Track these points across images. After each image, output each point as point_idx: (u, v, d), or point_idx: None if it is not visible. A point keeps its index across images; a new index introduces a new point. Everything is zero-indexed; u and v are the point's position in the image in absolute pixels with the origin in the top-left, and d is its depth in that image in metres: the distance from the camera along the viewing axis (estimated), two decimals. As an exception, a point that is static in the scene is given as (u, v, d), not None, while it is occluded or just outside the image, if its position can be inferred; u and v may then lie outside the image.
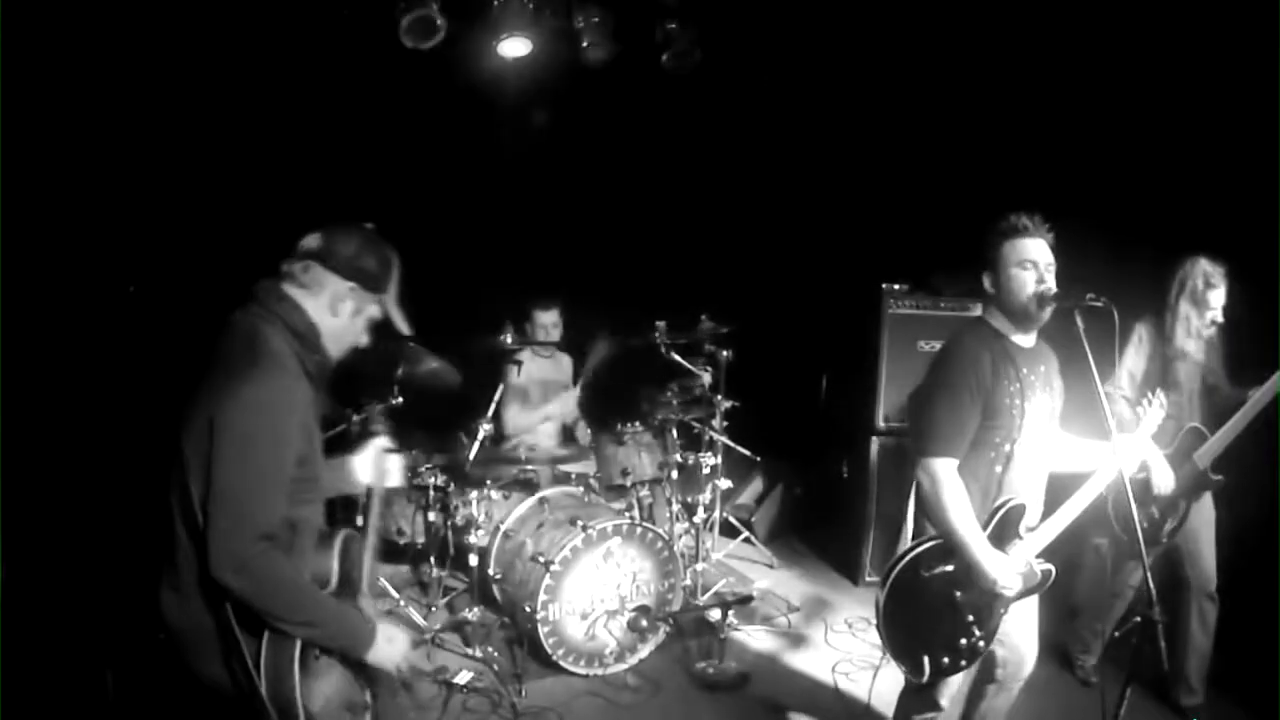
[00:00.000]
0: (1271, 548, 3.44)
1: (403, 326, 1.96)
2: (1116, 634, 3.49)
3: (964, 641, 2.37)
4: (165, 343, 4.51)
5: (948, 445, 2.30)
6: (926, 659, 2.36)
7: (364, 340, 1.95)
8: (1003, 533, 2.36)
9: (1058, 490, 2.48)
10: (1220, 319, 3.15)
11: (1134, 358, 3.20)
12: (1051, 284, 2.29)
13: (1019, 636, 2.53)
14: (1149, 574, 2.07)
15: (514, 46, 4.38)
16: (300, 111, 4.57)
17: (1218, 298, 3.13)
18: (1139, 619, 2.07)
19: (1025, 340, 2.40)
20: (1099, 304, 2.20)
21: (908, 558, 2.39)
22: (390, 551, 4.36)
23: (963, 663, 2.39)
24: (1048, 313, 2.31)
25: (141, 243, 4.48)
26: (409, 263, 2.02)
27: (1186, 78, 3.70)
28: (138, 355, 4.40)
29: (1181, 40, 3.63)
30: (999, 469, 2.35)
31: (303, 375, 1.81)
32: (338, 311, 1.86)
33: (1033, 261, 2.30)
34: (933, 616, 2.35)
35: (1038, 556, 2.41)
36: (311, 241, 1.87)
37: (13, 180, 3.59)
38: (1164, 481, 3.05)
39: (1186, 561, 3.26)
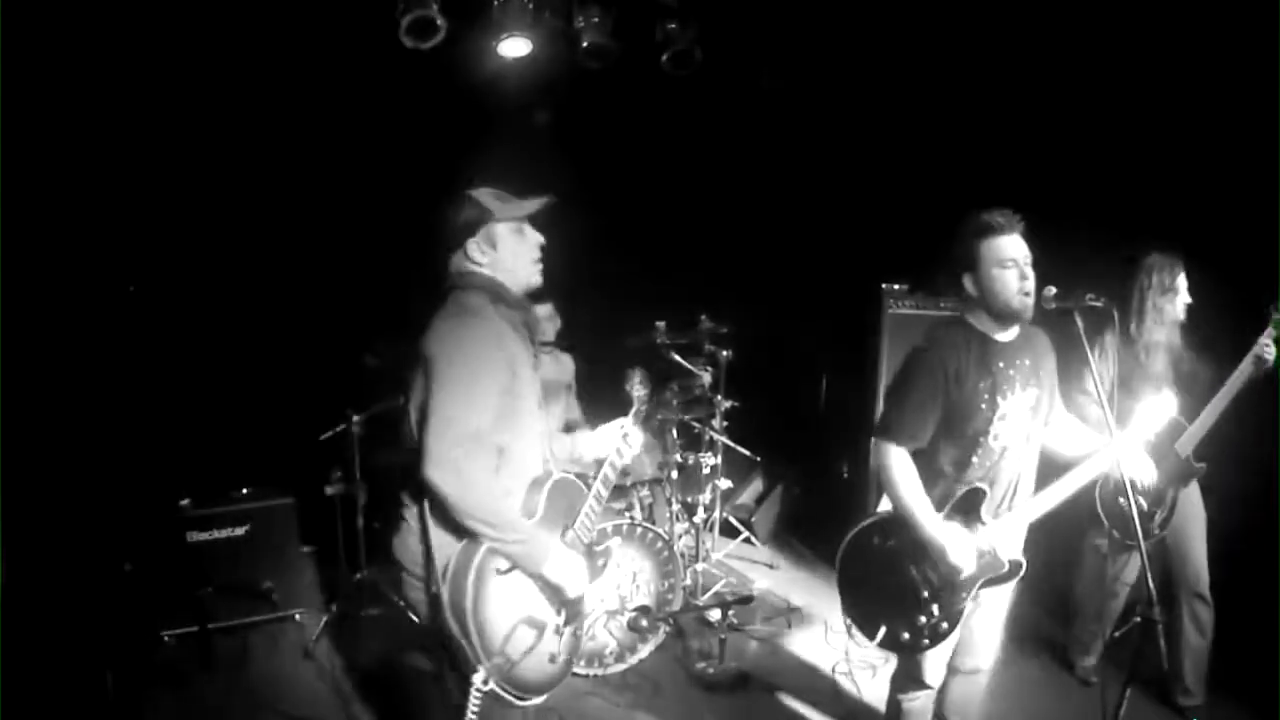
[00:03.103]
0: (1271, 548, 3.44)
1: (536, 203, 2.16)
2: (1116, 634, 3.49)
3: (923, 620, 2.40)
4: (165, 343, 4.52)
5: (896, 433, 2.36)
6: (884, 628, 2.43)
7: (539, 239, 2.18)
8: (959, 517, 2.38)
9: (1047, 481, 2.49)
10: (1189, 300, 3.22)
11: (1098, 362, 3.20)
12: (1032, 280, 2.30)
13: (977, 624, 2.55)
14: (1149, 573, 2.07)
15: (514, 46, 4.38)
16: (300, 111, 4.57)
17: (1183, 283, 3.21)
18: (1139, 619, 2.07)
19: (1005, 335, 2.39)
20: (1099, 304, 2.20)
21: (861, 525, 2.49)
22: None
23: (924, 642, 2.42)
24: (1031, 312, 2.31)
25: (141, 243, 4.48)
26: (410, 263, 2.06)
27: (1181, 77, 3.71)
28: (138, 355, 4.40)
29: (1173, 41, 3.64)
30: (976, 460, 2.37)
31: (501, 321, 2.09)
32: (481, 257, 2.10)
33: (1012, 259, 2.28)
34: (888, 588, 2.41)
35: (1012, 545, 2.41)
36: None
37: (13, 180, 3.59)
38: (1146, 475, 3.07)
39: (1176, 561, 3.27)
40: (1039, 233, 2.40)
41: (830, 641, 4.00)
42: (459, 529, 1.96)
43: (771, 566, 4.96)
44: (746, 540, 5.15)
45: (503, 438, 2.03)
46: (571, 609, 2.16)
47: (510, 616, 2.01)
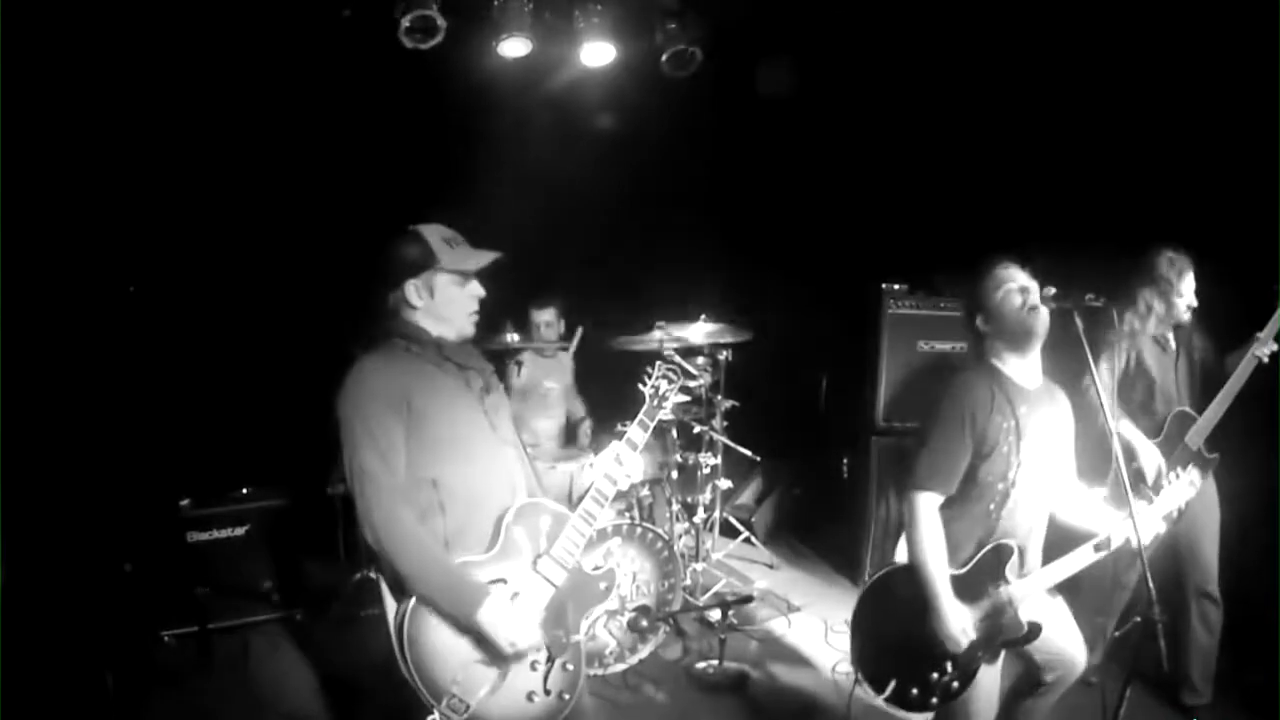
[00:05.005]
0: (1273, 547, 3.44)
1: (486, 258, 2.12)
2: (1118, 633, 3.48)
3: (935, 676, 2.33)
4: (165, 343, 4.53)
5: (931, 480, 2.32)
6: (894, 682, 2.35)
7: (479, 293, 2.14)
8: (984, 573, 2.34)
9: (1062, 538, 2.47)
10: (1194, 303, 3.18)
11: (1101, 361, 3.17)
12: (1035, 297, 2.30)
13: (1061, 642, 2.48)
14: (1148, 573, 2.07)
15: (514, 46, 4.38)
16: (299, 111, 4.57)
17: (1188, 285, 3.16)
18: (1139, 619, 2.06)
19: (1028, 380, 2.39)
20: (1098, 304, 2.20)
21: (879, 574, 2.42)
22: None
23: (933, 700, 2.35)
24: (1043, 325, 2.31)
25: (141, 243, 4.48)
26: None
27: (1177, 79, 3.71)
28: (138, 355, 4.40)
29: (1169, 40, 3.64)
30: (993, 508, 2.34)
31: (411, 359, 2.04)
32: (418, 301, 2.06)
33: (1012, 281, 2.34)
34: (903, 641, 2.33)
35: (1030, 606, 2.35)
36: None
37: (13, 180, 3.59)
38: (1151, 464, 3.05)
39: (1187, 559, 3.24)
40: (1042, 231, 2.40)
41: (830, 641, 4.00)
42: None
43: (771, 566, 4.96)
44: (746, 540, 5.14)
45: (434, 471, 1.98)
46: (554, 641, 2.01)
47: (455, 654, 1.90)
